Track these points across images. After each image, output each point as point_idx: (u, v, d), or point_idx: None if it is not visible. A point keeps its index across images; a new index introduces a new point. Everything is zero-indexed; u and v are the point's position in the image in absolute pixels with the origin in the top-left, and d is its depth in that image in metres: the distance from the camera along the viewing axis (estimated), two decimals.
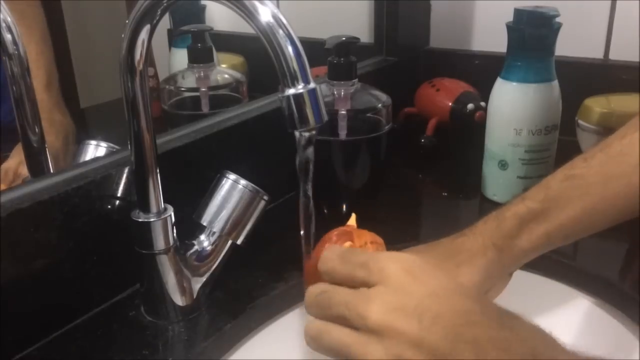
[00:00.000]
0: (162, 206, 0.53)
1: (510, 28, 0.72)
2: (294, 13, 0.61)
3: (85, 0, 0.74)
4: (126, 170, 0.57)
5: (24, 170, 0.61)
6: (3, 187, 0.56)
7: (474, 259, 0.53)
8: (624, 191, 0.52)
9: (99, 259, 0.56)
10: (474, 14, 1.04)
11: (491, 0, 1.01)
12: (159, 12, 0.46)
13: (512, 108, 0.72)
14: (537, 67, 0.71)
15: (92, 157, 0.63)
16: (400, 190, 0.84)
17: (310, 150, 0.45)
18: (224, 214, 0.55)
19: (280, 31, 0.41)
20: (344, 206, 0.72)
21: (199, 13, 0.87)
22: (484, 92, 0.81)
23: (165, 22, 0.73)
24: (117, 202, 0.57)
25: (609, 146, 0.54)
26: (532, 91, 0.71)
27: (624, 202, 0.52)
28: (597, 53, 0.96)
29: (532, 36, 0.69)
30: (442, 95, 0.95)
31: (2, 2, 0.57)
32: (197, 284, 0.56)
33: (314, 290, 0.43)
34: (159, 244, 0.52)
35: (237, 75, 0.85)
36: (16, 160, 0.62)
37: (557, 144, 0.74)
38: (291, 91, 0.42)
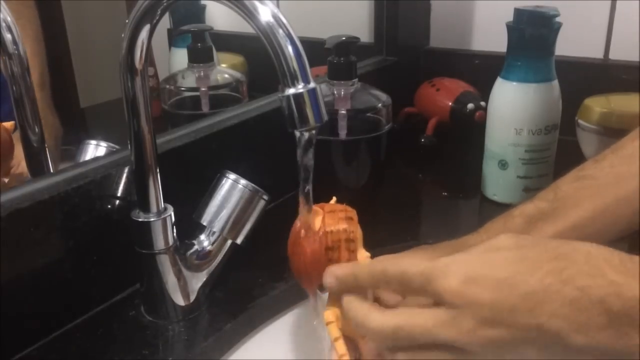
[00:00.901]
0: (162, 206, 0.53)
1: (510, 28, 0.72)
2: (294, 13, 0.61)
3: (85, 0, 0.74)
4: (126, 170, 0.57)
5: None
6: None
7: None
8: (635, 192, 0.51)
9: (99, 259, 0.56)
10: (474, 13, 1.04)
11: (491, 0, 1.01)
12: (159, 12, 0.46)
13: (512, 108, 0.72)
14: (537, 66, 0.71)
15: (92, 156, 0.63)
16: (400, 190, 0.84)
17: (311, 150, 0.45)
18: (224, 214, 0.55)
19: (280, 31, 0.41)
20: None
21: (199, 13, 0.87)
22: (484, 92, 0.81)
23: (165, 22, 0.73)
24: (117, 201, 0.57)
25: (620, 148, 0.53)
26: (532, 91, 0.71)
27: (636, 204, 0.51)
28: (597, 53, 0.96)
29: (532, 36, 0.69)
30: (442, 95, 0.95)
31: (2, 2, 0.57)
32: (197, 283, 0.56)
33: (383, 330, 0.40)
34: (159, 243, 0.52)
35: (237, 75, 0.85)
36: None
37: (557, 143, 0.74)
38: (291, 91, 0.42)
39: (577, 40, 0.93)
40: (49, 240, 0.52)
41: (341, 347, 0.45)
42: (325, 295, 0.48)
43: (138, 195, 0.52)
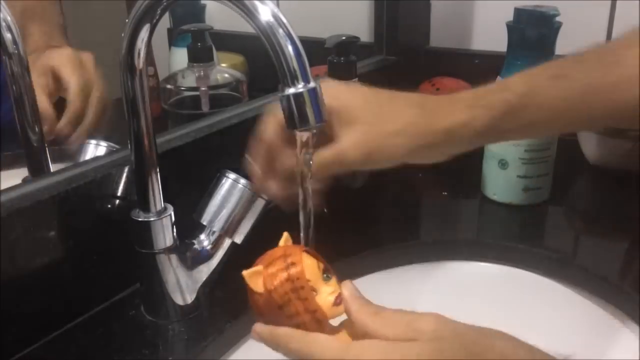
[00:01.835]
0: (162, 205, 0.53)
1: (510, 27, 0.72)
2: (294, 12, 0.61)
3: (85, 0, 0.74)
4: (126, 169, 0.57)
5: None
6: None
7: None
8: (604, 105, 0.51)
9: (98, 259, 0.56)
10: (474, 13, 1.04)
11: (491, 0, 1.01)
12: (158, 12, 0.46)
13: None
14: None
15: (92, 156, 0.63)
16: (400, 189, 0.84)
17: (310, 150, 0.45)
18: (224, 213, 0.55)
19: (280, 30, 0.41)
20: (344, 205, 0.72)
21: (199, 12, 0.87)
22: None
23: (165, 22, 0.73)
24: (117, 201, 0.57)
25: (607, 52, 0.53)
26: None
27: (602, 116, 0.52)
28: None
29: (532, 35, 0.69)
30: (442, 95, 0.95)
31: (2, 2, 0.57)
32: (197, 283, 0.56)
33: None
34: (159, 243, 0.52)
35: (237, 74, 0.85)
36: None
37: (557, 143, 0.74)
38: (291, 90, 0.42)
39: (577, 40, 0.93)
40: (49, 240, 0.52)
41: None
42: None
43: (138, 195, 0.52)
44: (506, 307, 0.66)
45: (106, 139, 0.65)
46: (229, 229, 0.55)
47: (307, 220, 0.48)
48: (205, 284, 0.56)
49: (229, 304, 0.57)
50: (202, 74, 0.80)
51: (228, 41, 0.91)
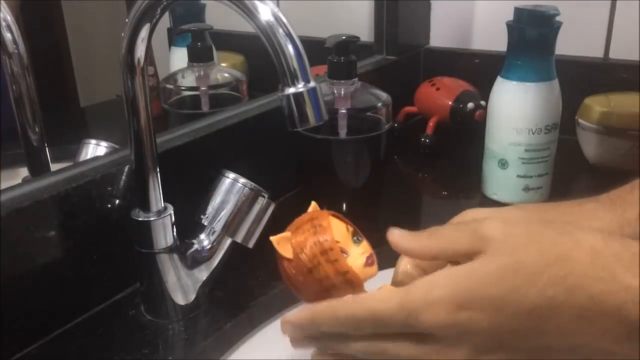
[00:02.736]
0: (162, 205, 0.53)
1: (510, 27, 0.72)
2: (294, 12, 0.61)
3: (85, 0, 0.74)
4: (126, 169, 0.57)
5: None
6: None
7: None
8: None
9: (98, 258, 0.56)
10: (474, 13, 1.04)
11: (491, 0, 1.01)
12: (158, 11, 0.46)
13: (512, 107, 0.72)
14: (537, 66, 0.71)
15: (92, 156, 0.63)
16: (401, 189, 0.84)
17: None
18: (224, 213, 0.55)
19: (280, 30, 0.41)
20: (344, 205, 0.72)
21: (199, 12, 0.87)
22: (484, 91, 0.81)
23: (165, 21, 0.73)
24: (117, 201, 0.57)
25: None
26: (532, 90, 0.71)
27: None
28: (597, 52, 0.96)
29: (532, 35, 0.69)
30: (442, 94, 0.95)
31: (1, 1, 0.57)
32: (197, 283, 0.56)
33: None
34: (159, 243, 0.52)
35: (237, 74, 0.85)
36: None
37: (557, 143, 0.74)
38: (291, 90, 0.42)
39: (577, 40, 0.93)
40: (49, 240, 0.52)
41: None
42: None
43: (138, 194, 0.52)
44: None
45: (106, 138, 0.65)
46: (229, 229, 0.55)
47: None
48: (205, 284, 0.56)
49: (229, 303, 0.57)
50: (202, 73, 0.80)
51: (228, 41, 0.91)
